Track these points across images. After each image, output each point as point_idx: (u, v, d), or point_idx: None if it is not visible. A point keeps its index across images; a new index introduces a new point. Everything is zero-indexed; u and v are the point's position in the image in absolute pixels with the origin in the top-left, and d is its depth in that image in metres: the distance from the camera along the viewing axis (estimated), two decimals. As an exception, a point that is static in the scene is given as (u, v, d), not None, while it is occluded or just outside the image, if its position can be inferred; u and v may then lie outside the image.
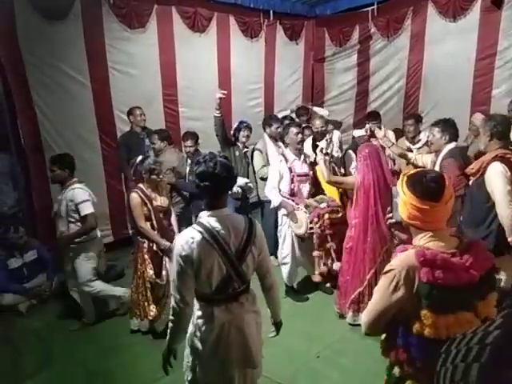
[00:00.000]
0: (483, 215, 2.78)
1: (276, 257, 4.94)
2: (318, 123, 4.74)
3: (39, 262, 4.28)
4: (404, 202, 1.57)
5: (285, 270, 4.02)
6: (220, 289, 1.94)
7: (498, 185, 2.68)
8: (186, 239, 1.87)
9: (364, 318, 1.60)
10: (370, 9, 6.09)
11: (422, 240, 1.55)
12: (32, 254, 4.23)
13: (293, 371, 3.09)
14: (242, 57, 6.11)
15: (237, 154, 4.47)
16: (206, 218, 1.95)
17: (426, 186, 1.51)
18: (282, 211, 3.85)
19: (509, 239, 2.69)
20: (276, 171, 3.86)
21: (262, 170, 4.57)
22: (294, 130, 3.86)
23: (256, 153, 4.64)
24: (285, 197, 3.84)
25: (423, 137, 4.55)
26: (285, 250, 3.95)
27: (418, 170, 1.67)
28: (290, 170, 3.86)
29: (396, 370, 1.61)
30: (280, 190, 3.85)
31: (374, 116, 5.26)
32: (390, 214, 1.80)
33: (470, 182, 2.98)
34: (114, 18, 4.82)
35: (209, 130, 5.83)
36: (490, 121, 2.83)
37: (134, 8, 4.95)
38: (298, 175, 3.89)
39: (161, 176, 3.56)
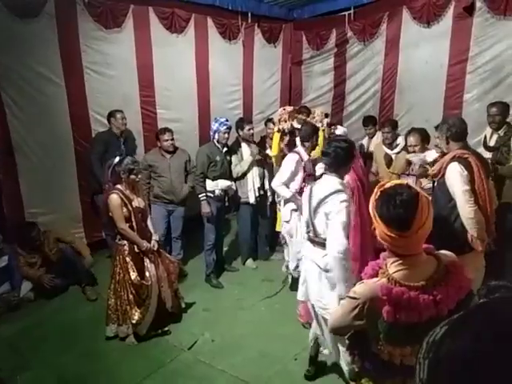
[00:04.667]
0: (446, 215, 2.87)
1: (254, 259, 4.97)
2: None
3: (7, 270, 4.15)
4: (374, 222, 1.46)
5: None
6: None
7: (456, 184, 2.79)
8: None
9: (329, 321, 1.67)
10: (346, 13, 6.15)
11: (392, 266, 1.46)
12: (3, 261, 4.10)
13: (271, 374, 3.09)
14: (221, 59, 6.09)
15: (217, 158, 4.42)
16: None
17: (394, 213, 1.37)
18: (291, 206, 3.95)
19: (470, 233, 2.79)
20: (289, 169, 3.92)
21: (236, 169, 4.61)
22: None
23: (232, 153, 4.64)
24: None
25: (401, 141, 4.63)
26: (298, 245, 3.83)
27: (393, 185, 1.47)
28: (304, 169, 3.97)
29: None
30: (288, 187, 3.95)
31: (366, 122, 5.35)
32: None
33: (435, 183, 3.07)
34: (88, 18, 4.72)
35: (186, 131, 5.85)
36: (444, 125, 2.99)
37: (110, 7, 4.86)
38: (308, 174, 3.99)
39: (139, 176, 3.54)
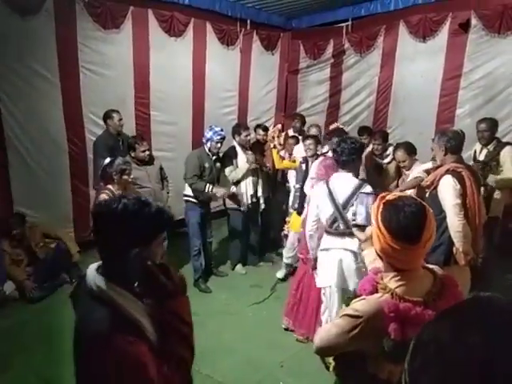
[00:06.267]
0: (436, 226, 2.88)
1: (243, 265, 4.96)
2: (314, 130, 5.10)
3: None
4: (377, 234, 1.38)
5: None
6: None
7: (448, 197, 2.81)
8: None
9: (316, 341, 1.52)
10: (344, 24, 6.23)
11: (392, 281, 1.39)
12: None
13: (256, 380, 3.07)
14: (218, 64, 6.12)
15: (206, 165, 4.37)
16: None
17: (403, 226, 1.31)
18: None
19: (456, 246, 2.81)
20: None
21: (231, 175, 4.59)
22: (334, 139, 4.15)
23: (227, 158, 4.63)
24: None
25: (391, 151, 4.67)
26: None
27: (397, 196, 1.43)
28: None
29: None
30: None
31: (362, 132, 5.15)
32: (353, 217, 1.81)
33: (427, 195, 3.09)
34: (87, 18, 4.73)
35: (180, 135, 5.85)
36: (443, 136, 2.99)
37: (109, 8, 4.87)
38: None
39: (131, 176, 3.51)
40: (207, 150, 4.39)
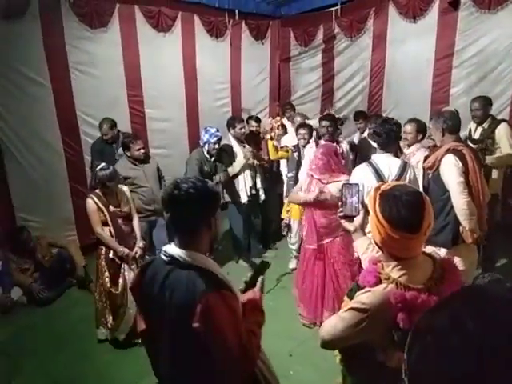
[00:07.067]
0: (440, 207, 2.88)
1: (247, 257, 4.97)
2: (298, 119, 5.07)
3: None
4: (376, 225, 1.36)
5: None
6: None
7: (451, 176, 2.80)
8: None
9: (322, 335, 1.49)
10: (333, 9, 6.17)
11: (395, 271, 1.38)
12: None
13: (266, 371, 3.09)
14: (208, 57, 6.07)
15: (205, 168, 4.34)
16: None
17: (404, 216, 1.30)
18: None
19: (462, 224, 2.81)
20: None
21: (228, 170, 4.57)
22: (323, 122, 4.26)
23: (224, 154, 4.61)
24: None
25: None
26: None
27: (392, 185, 1.41)
28: None
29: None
30: None
31: (357, 116, 5.26)
32: (341, 208, 1.79)
33: (429, 176, 3.08)
34: (74, 18, 4.68)
35: (175, 131, 5.83)
36: (440, 117, 2.97)
37: (95, 7, 4.82)
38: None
39: (113, 183, 3.42)
40: (206, 154, 4.37)
